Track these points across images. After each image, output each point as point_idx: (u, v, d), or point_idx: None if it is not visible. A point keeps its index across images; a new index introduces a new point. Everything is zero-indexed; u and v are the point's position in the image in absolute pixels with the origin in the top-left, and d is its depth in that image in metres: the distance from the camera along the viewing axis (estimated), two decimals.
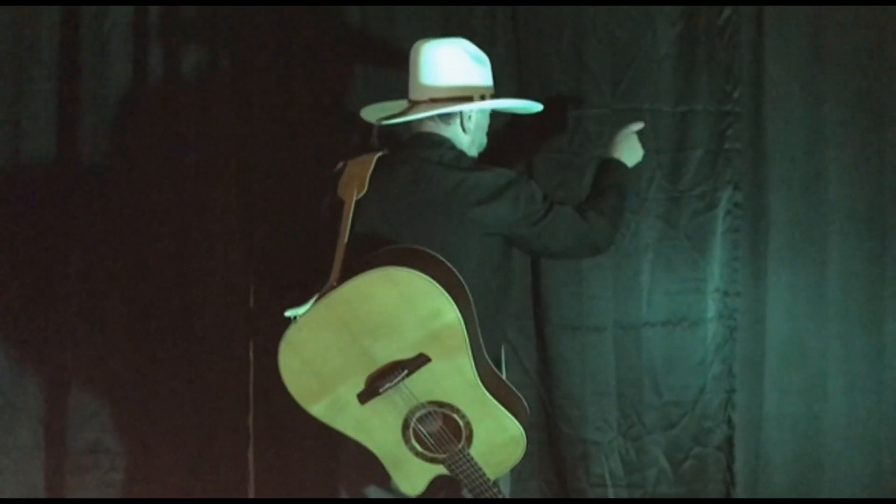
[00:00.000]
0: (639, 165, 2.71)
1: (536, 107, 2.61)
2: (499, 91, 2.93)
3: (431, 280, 2.14)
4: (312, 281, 2.29)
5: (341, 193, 2.37)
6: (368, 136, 2.48)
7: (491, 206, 2.36)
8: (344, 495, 2.55)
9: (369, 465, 2.36)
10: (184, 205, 3.01)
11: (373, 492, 2.49)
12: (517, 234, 2.40)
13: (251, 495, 3.13)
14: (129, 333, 3.06)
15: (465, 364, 2.23)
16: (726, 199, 3.04)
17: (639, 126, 2.70)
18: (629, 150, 2.68)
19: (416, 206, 2.37)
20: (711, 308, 3.08)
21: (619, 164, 2.64)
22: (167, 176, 3.01)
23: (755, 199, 3.06)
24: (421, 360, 2.21)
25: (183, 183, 3.00)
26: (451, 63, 2.45)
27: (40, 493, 3.11)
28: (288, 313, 2.18)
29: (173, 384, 3.07)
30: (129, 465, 3.11)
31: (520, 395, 2.39)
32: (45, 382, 3.09)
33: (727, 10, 2.98)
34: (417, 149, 2.44)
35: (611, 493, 3.12)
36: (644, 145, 2.96)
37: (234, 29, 2.98)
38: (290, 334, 2.20)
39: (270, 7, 2.96)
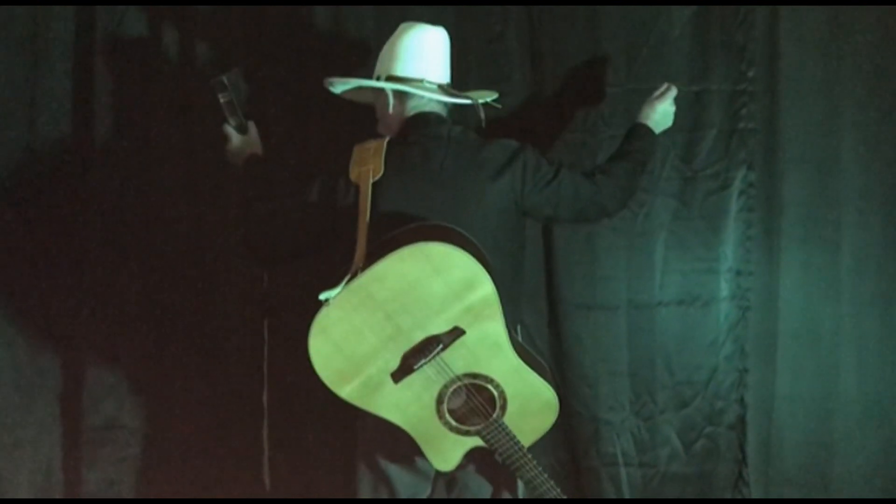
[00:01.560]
0: (664, 133, 2.75)
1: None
2: (511, 71, 2.96)
3: (466, 252, 2.15)
4: (326, 262, 2.30)
5: (355, 178, 2.37)
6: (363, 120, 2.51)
7: (502, 178, 2.40)
8: (365, 474, 2.56)
9: (392, 444, 2.39)
10: (199, 183, 3.02)
11: (394, 471, 2.51)
12: (528, 203, 2.43)
13: (265, 472, 3.14)
14: (144, 312, 3.07)
15: (500, 333, 2.24)
16: (740, 178, 3.04)
17: (673, 93, 2.72)
18: (661, 116, 2.72)
19: (434, 185, 2.39)
20: (724, 288, 3.07)
21: (646, 131, 2.68)
22: (182, 156, 3.02)
23: (769, 179, 3.05)
24: (456, 333, 2.20)
25: (198, 162, 3.01)
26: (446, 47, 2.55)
27: (57, 467, 3.14)
28: (322, 296, 2.16)
29: (189, 362, 3.08)
30: (145, 441, 3.14)
31: (543, 362, 2.40)
32: (62, 359, 3.11)
33: None
34: (424, 128, 2.46)
35: (623, 472, 3.13)
36: None
37: (248, 24, 2.99)
38: (321, 317, 2.18)
39: (284, 6, 2.97)
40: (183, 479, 3.15)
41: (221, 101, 2.59)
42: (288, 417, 3.10)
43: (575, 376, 3.10)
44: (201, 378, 3.09)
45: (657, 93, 2.73)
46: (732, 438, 3.13)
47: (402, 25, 2.55)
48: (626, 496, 3.13)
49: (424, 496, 2.58)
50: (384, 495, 2.54)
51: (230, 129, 2.65)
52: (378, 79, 2.53)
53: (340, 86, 2.62)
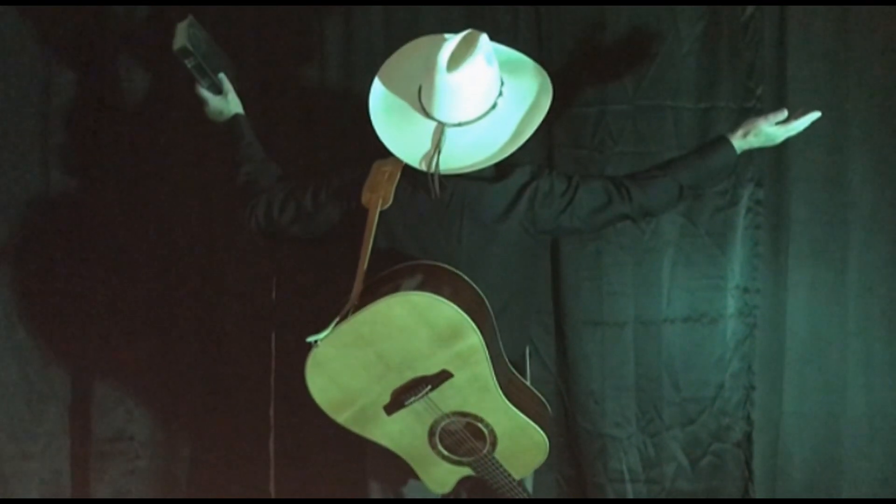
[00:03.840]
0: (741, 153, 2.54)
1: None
2: None
3: (454, 305, 2.18)
4: (333, 277, 2.31)
5: (365, 202, 2.37)
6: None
7: (509, 217, 2.36)
8: (376, 492, 2.59)
9: (399, 459, 2.42)
10: (208, 196, 3.03)
11: (412, 486, 2.53)
12: (546, 227, 2.40)
13: (272, 485, 3.16)
14: (153, 324, 3.09)
15: (487, 378, 2.27)
16: (748, 196, 3.04)
17: (781, 116, 2.52)
18: (766, 137, 2.52)
19: (442, 217, 2.38)
20: (731, 305, 3.08)
21: (725, 148, 2.49)
22: (192, 167, 3.04)
23: (776, 196, 3.06)
24: (444, 376, 2.26)
25: (207, 175, 3.02)
26: (488, 82, 2.33)
27: (66, 479, 3.15)
28: (310, 339, 2.23)
29: (196, 375, 3.10)
30: (153, 453, 3.16)
31: (542, 398, 2.43)
32: (71, 371, 3.13)
33: (750, 8, 2.96)
34: None
35: (629, 489, 3.13)
36: (666, 142, 2.99)
37: (257, 28, 2.99)
38: (316, 354, 2.25)
39: (294, 7, 2.97)
40: (190, 491, 3.17)
41: (188, 66, 2.52)
42: (294, 430, 3.11)
43: (581, 392, 3.10)
44: (209, 391, 3.11)
45: (786, 115, 2.52)
46: (739, 455, 3.13)
47: (440, 56, 2.26)
48: None
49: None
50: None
51: (204, 92, 2.59)
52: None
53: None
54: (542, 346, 3.09)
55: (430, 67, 2.27)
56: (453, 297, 2.19)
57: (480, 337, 2.20)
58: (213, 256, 3.06)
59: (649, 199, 2.43)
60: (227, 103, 2.61)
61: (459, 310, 2.18)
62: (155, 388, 3.13)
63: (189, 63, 2.52)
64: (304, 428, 3.09)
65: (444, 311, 2.18)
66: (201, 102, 2.62)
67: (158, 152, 3.04)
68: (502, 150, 2.30)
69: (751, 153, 3.01)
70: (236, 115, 2.61)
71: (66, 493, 3.16)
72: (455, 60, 2.25)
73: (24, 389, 3.10)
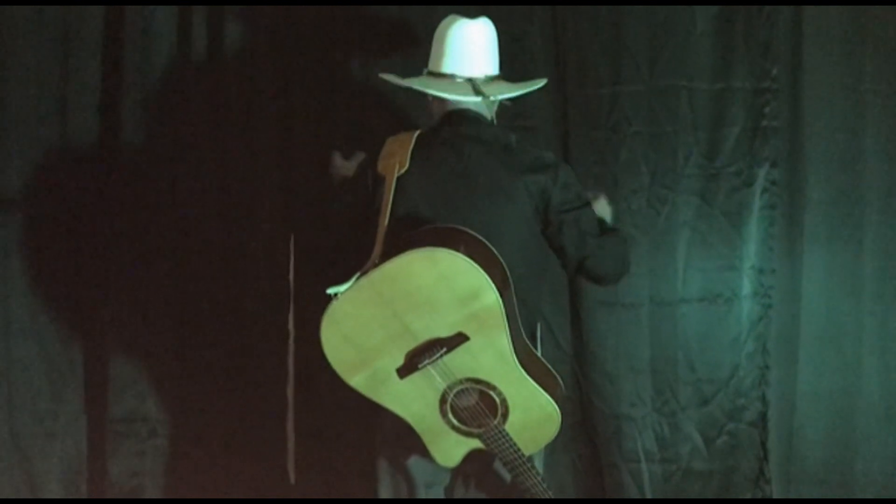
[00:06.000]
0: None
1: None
2: (535, 69, 2.97)
3: (471, 261, 2.17)
4: (351, 254, 2.33)
5: (381, 170, 2.39)
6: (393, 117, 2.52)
7: (536, 176, 2.38)
8: (384, 465, 2.59)
9: (408, 435, 2.40)
10: (226, 179, 3.05)
11: (412, 460, 2.53)
12: (548, 218, 2.41)
13: (290, 465, 3.17)
14: (170, 304, 3.11)
15: (503, 343, 2.26)
16: (763, 176, 3.04)
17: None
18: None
19: (459, 184, 2.39)
20: (747, 285, 3.08)
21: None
22: (210, 151, 3.06)
23: (792, 176, 3.06)
24: (459, 339, 2.24)
25: (226, 158, 3.05)
26: (494, 41, 2.52)
27: (83, 457, 3.18)
28: (330, 290, 2.22)
29: (213, 354, 3.11)
30: (168, 433, 3.17)
31: (555, 373, 2.42)
32: (89, 351, 3.15)
33: None
34: (457, 126, 2.45)
35: (644, 469, 3.14)
36: (681, 122, 3.00)
37: (276, 20, 3.02)
38: (333, 309, 2.24)
39: (310, 4, 3.00)
40: (207, 470, 3.17)
41: None
42: (313, 409, 3.13)
43: (597, 373, 3.12)
44: (226, 370, 3.12)
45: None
46: (754, 435, 3.14)
47: (447, 18, 2.51)
48: (648, 492, 3.14)
49: (443, 486, 2.60)
50: (403, 486, 2.56)
51: (335, 154, 2.70)
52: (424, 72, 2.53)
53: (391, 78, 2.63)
54: (558, 327, 3.10)
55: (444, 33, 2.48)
56: (473, 257, 2.18)
57: (498, 296, 2.19)
58: (231, 235, 3.08)
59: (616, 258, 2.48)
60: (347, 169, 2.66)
61: (479, 268, 2.17)
62: (170, 368, 3.14)
63: None
64: (322, 405, 3.10)
65: (465, 267, 2.17)
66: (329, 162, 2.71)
67: (178, 141, 3.06)
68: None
69: (766, 134, 3.03)
70: (345, 178, 2.65)
71: (85, 472, 3.18)
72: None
73: (45, 370, 3.12)
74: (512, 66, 2.95)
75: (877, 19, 2.99)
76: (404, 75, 2.57)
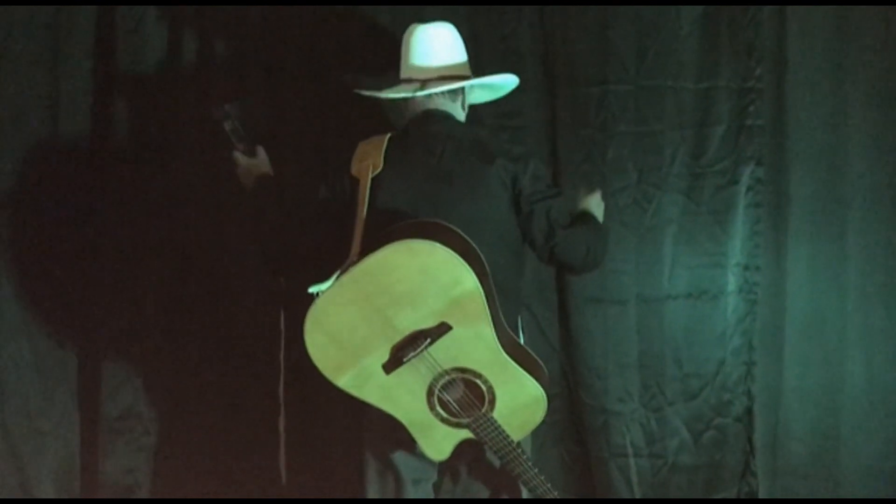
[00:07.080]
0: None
1: (514, 81, 2.70)
2: (523, 68, 2.99)
3: (450, 250, 2.21)
4: (335, 257, 2.35)
5: (355, 172, 2.44)
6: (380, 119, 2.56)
7: (507, 164, 2.45)
8: (371, 463, 2.62)
9: (395, 431, 2.43)
10: (217, 179, 3.05)
11: (399, 457, 2.56)
12: (519, 207, 2.47)
13: (281, 463, 3.18)
14: (162, 302, 3.11)
15: (486, 330, 2.29)
16: (748, 174, 3.07)
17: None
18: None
19: (436, 181, 2.44)
20: (732, 282, 3.11)
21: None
22: (200, 151, 3.06)
23: (777, 174, 3.09)
24: (443, 329, 2.27)
25: (216, 158, 3.04)
26: (454, 43, 2.58)
27: (76, 456, 3.18)
28: (311, 290, 2.25)
29: (205, 352, 3.12)
30: (162, 430, 3.18)
31: (538, 359, 2.45)
32: (80, 350, 3.16)
33: None
34: (428, 125, 2.51)
35: (632, 463, 3.16)
36: (667, 121, 3.03)
37: (265, 23, 3.03)
38: (315, 310, 2.27)
39: (300, 6, 3.01)
40: (200, 468, 3.18)
41: (226, 128, 2.67)
42: (304, 408, 3.13)
43: (585, 368, 3.14)
44: (218, 368, 3.13)
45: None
46: (740, 430, 3.16)
47: (443, 23, 2.60)
48: (635, 487, 3.16)
49: (431, 482, 2.62)
50: (390, 482, 2.59)
51: (237, 154, 2.71)
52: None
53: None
54: (546, 322, 3.12)
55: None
56: (450, 246, 2.22)
57: (477, 282, 2.22)
58: (223, 236, 3.08)
59: (587, 243, 2.55)
60: (258, 166, 2.70)
61: (457, 255, 2.21)
62: (163, 366, 3.14)
63: (227, 125, 2.66)
64: (314, 405, 3.11)
65: (443, 257, 2.21)
66: (234, 163, 2.72)
67: (168, 142, 3.07)
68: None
69: (751, 132, 3.06)
70: (264, 175, 2.69)
71: (77, 471, 3.19)
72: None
73: (36, 368, 3.13)
74: (500, 65, 2.99)
75: (860, 20, 3.01)
76: (393, 78, 2.61)
